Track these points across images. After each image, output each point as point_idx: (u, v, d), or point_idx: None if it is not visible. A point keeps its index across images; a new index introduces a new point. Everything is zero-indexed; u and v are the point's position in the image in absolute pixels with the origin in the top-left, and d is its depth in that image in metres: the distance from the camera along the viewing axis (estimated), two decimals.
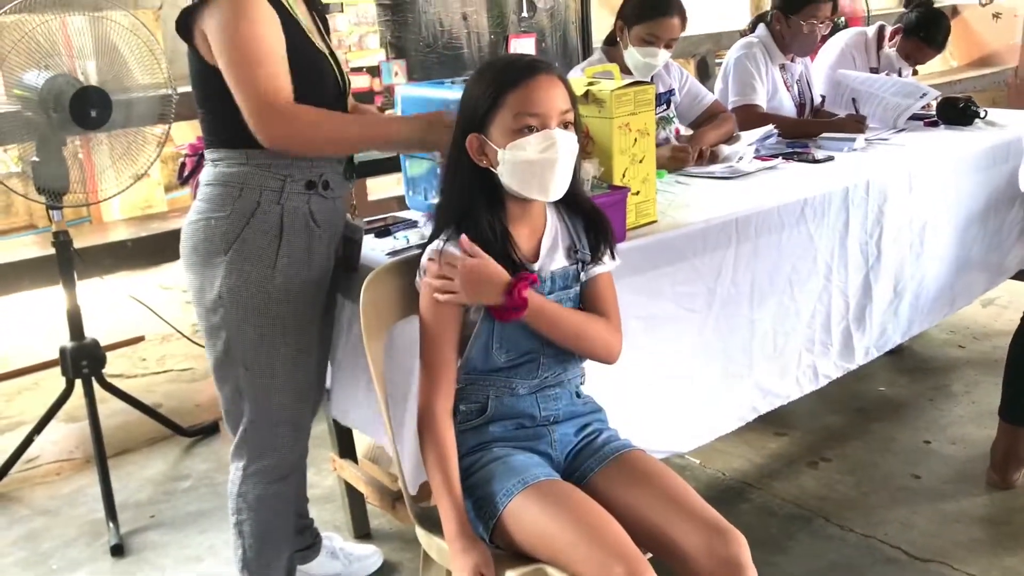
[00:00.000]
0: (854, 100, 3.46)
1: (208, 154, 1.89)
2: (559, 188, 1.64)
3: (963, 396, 3.20)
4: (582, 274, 1.72)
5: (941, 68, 7.37)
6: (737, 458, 2.84)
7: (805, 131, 3.20)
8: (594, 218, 1.76)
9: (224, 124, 1.83)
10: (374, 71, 3.41)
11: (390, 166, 2.96)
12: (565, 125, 1.63)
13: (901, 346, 3.53)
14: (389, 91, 3.39)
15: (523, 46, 3.83)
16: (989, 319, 3.79)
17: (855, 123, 3.20)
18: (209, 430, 3.21)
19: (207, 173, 1.88)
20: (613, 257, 1.77)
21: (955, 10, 7.22)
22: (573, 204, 1.75)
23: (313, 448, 2.78)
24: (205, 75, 1.81)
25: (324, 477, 2.80)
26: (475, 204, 1.65)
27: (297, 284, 1.88)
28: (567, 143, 1.62)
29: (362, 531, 2.55)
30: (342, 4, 3.29)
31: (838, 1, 3.42)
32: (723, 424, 2.49)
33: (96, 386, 2.84)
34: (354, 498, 2.52)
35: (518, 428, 1.70)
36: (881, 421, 3.06)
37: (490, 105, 1.61)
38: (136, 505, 2.77)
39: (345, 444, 2.45)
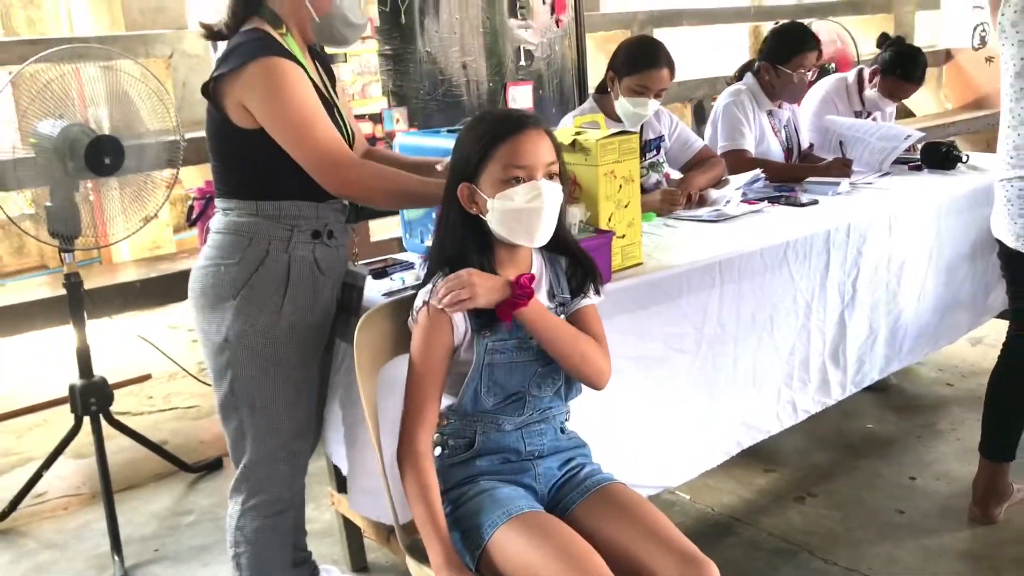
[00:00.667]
0: (841, 144, 3.56)
1: (220, 203, 2.00)
2: (545, 235, 1.74)
3: (949, 433, 3.27)
4: (561, 316, 1.81)
5: (936, 110, 7.51)
6: (726, 494, 2.91)
7: (792, 175, 3.30)
8: (579, 257, 1.86)
9: (238, 177, 1.96)
10: (376, 118, 3.53)
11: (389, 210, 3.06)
12: (551, 176, 1.73)
13: (889, 384, 3.61)
14: (391, 137, 3.50)
15: (521, 94, 3.96)
16: (978, 357, 3.86)
17: (841, 166, 3.31)
18: (213, 466, 3.29)
19: (218, 221, 2.00)
20: (598, 292, 1.86)
21: (948, 54, 7.38)
22: (559, 247, 1.85)
23: (313, 484, 2.87)
24: (227, 133, 1.93)
25: (323, 512, 2.88)
26: (466, 249, 1.75)
27: (301, 329, 1.99)
28: (552, 193, 1.72)
29: (359, 565, 2.62)
30: (346, 55, 3.41)
31: (822, 48, 3.55)
32: (709, 459, 2.57)
33: (104, 423, 2.93)
34: (351, 532, 2.59)
35: (504, 462, 1.79)
36: (868, 458, 3.12)
37: (480, 157, 1.71)
38: (141, 539, 2.84)
39: (343, 479, 2.51)
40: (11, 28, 5.15)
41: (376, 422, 1.82)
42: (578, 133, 2.29)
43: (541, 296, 1.81)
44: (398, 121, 3.59)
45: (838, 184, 3.15)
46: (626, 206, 2.32)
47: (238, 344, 1.95)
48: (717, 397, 2.53)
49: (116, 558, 2.66)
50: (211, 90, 1.92)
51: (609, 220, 2.28)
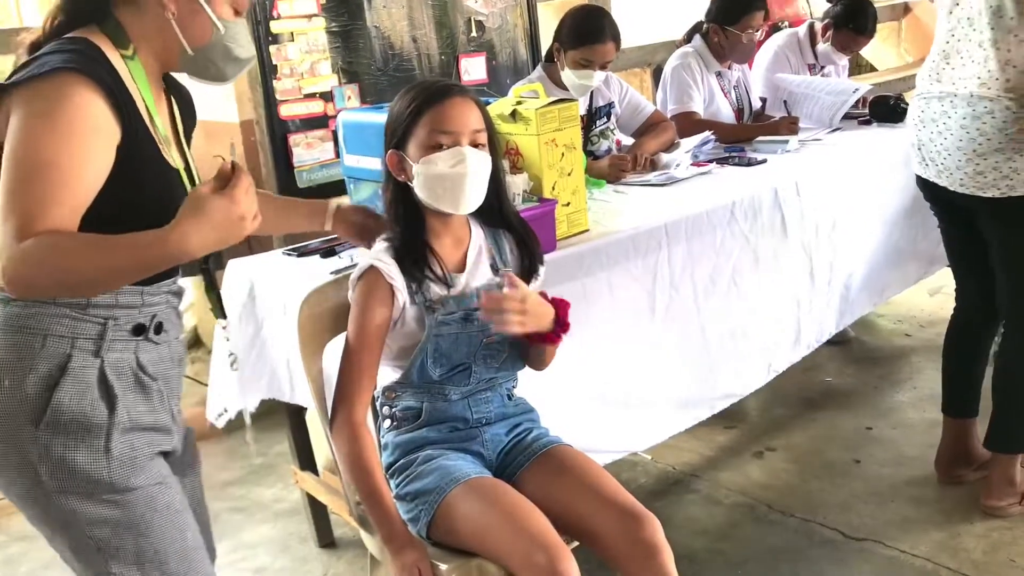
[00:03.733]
0: (785, 103, 3.58)
1: None
2: (470, 202, 1.75)
3: (906, 383, 3.33)
4: (505, 289, 1.83)
5: (896, 64, 7.54)
6: (687, 452, 2.96)
7: (741, 135, 3.33)
8: (522, 234, 1.87)
9: None
10: (327, 96, 3.52)
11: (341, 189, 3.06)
12: (477, 144, 1.74)
13: (849, 337, 3.67)
14: None
15: (473, 65, 3.95)
16: (935, 307, 3.92)
17: (788, 125, 3.33)
18: None
19: None
20: (541, 263, 1.88)
21: (907, 7, 7.40)
22: (499, 219, 1.86)
23: (281, 463, 2.91)
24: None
25: (291, 491, 2.90)
26: (397, 218, 1.77)
27: (148, 453, 1.42)
28: (477, 159, 1.72)
29: (326, 540, 2.65)
30: (292, 33, 3.40)
31: (769, 8, 3.57)
32: (678, 422, 2.59)
33: None
34: (316, 509, 2.62)
35: (452, 431, 1.81)
36: (826, 410, 3.18)
37: (408, 123, 1.73)
38: None
39: (305, 457, 2.54)
40: None
41: (322, 399, 1.84)
42: (518, 103, 2.30)
43: (483, 269, 1.83)
44: (350, 98, 3.58)
45: (787, 142, 3.18)
46: (569, 174, 2.33)
47: (63, 498, 1.35)
48: (686, 361, 2.56)
49: None
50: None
51: (553, 188, 2.30)
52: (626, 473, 2.83)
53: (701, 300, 2.59)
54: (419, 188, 1.72)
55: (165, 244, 1.24)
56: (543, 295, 1.78)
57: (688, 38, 3.59)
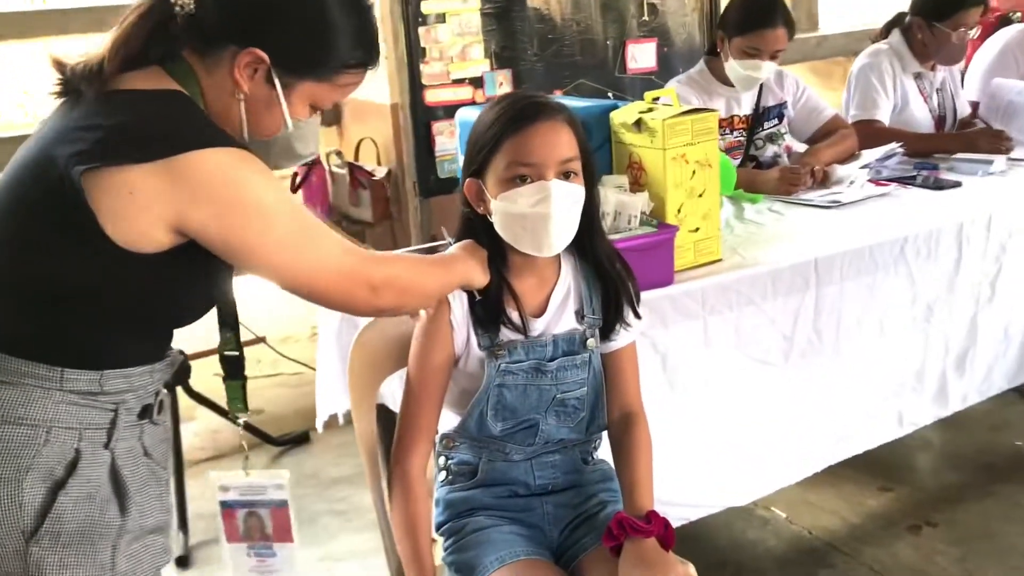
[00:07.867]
0: (1007, 114, 3.04)
1: None
2: (555, 244, 1.49)
3: None
4: (590, 340, 1.56)
5: None
6: (829, 514, 2.57)
7: (933, 148, 2.86)
8: (613, 278, 1.58)
9: (54, 322, 1.17)
10: (477, 82, 3.32)
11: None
12: (566, 175, 1.48)
13: None
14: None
15: (642, 52, 3.65)
16: None
17: (991, 137, 2.82)
18: (299, 440, 3.24)
19: None
20: (637, 315, 1.60)
21: None
22: (592, 258, 1.59)
23: None
24: (91, 254, 1.14)
25: None
26: None
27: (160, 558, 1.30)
28: (564, 195, 1.46)
29: None
30: (445, 14, 3.22)
31: (989, 2, 3.04)
32: (786, 475, 2.28)
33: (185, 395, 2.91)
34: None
35: (510, 496, 1.58)
36: (1010, 482, 2.67)
37: (489, 149, 1.48)
38: (211, 515, 2.81)
39: None
40: None
41: (373, 453, 1.65)
42: (647, 110, 2.00)
43: (567, 315, 1.56)
44: (501, 85, 3.38)
45: (991, 163, 2.68)
46: (701, 195, 2.02)
47: None
48: (804, 412, 2.22)
49: (180, 535, 2.64)
50: (76, 181, 1.10)
51: (679, 212, 1.99)
52: (754, 531, 2.49)
53: (841, 345, 2.23)
54: (499, 226, 1.48)
55: (467, 273, 1.46)
56: (652, 516, 1.46)
57: (885, 32, 3.12)
